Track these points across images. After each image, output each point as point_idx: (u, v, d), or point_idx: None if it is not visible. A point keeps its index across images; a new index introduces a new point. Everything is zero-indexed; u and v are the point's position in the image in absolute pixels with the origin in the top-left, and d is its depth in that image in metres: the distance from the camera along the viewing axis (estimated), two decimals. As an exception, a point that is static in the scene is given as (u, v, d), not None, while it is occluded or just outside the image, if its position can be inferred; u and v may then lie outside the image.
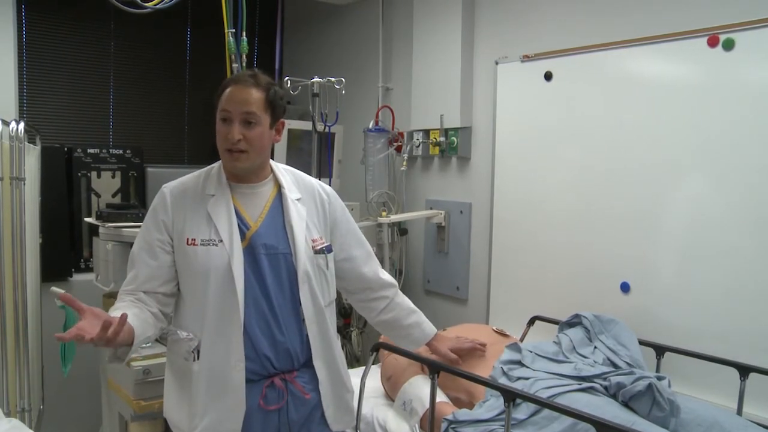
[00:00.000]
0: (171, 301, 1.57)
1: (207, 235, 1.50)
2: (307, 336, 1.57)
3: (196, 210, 1.52)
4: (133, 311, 1.43)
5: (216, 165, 1.60)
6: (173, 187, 1.57)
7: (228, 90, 1.51)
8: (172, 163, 4.02)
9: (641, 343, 2.20)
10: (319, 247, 1.60)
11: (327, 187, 1.73)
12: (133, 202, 3.35)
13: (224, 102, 1.50)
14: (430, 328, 1.90)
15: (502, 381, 1.98)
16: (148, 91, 4.06)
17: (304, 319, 1.56)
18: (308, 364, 1.59)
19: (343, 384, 1.67)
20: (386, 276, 1.82)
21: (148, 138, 4.03)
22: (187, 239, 1.50)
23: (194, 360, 1.50)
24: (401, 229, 3.40)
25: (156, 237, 1.52)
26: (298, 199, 1.61)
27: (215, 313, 1.48)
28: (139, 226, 2.39)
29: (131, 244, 2.43)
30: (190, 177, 1.60)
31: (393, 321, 1.83)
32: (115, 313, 1.36)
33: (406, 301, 1.87)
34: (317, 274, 1.59)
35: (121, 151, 3.43)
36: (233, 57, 2.50)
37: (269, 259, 1.53)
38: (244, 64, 2.58)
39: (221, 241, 1.49)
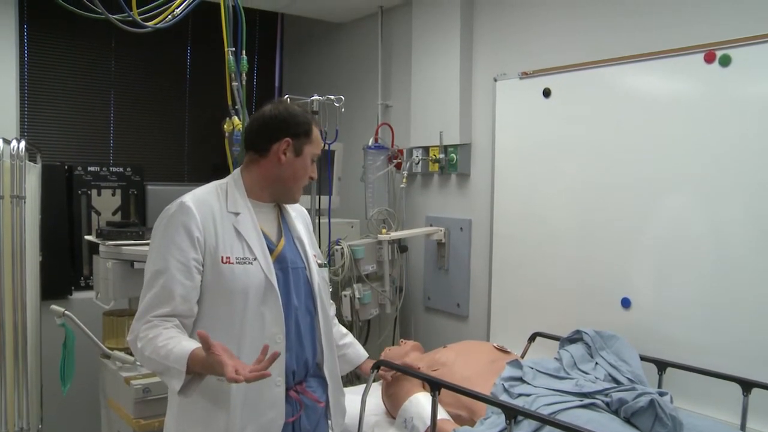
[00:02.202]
0: (190, 323, 1.53)
1: (241, 253, 1.51)
2: (319, 346, 1.65)
3: (225, 227, 1.52)
4: (196, 344, 1.38)
5: (228, 182, 1.61)
6: (195, 201, 1.52)
7: (317, 132, 1.62)
8: (172, 181, 4.02)
9: (643, 358, 2.18)
10: (320, 262, 1.70)
11: (302, 207, 1.81)
12: (133, 220, 3.36)
13: (317, 145, 1.62)
14: (362, 350, 1.98)
15: (504, 398, 1.98)
16: (149, 109, 4.09)
17: (318, 330, 1.65)
18: (315, 373, 1.67)
19: (340, 387, 1.75)
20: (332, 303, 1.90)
21: (148, 156, 4.04)
22: (222, 257, 1.49)
23: None
24: (401, 246, 3.38)
25: (192, 255, 1.47)
26: (294, 216, 1.70)
27: (255, 331, 1.49)
28: (140, 244, 2.47)
29: (131, 263, 2.48)
30: (204, 192, 1.57)
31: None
32: (175, 342, 1.37)
33: (340, 326, 1.94)
34: (324, 286, 1.69)
35: (121, 169, 3.43)
36: (233, 75, 2.50)
37: (294, 273, 1.60)
38: (244, 83, 2.60)
39: (255, 258, 1.51)
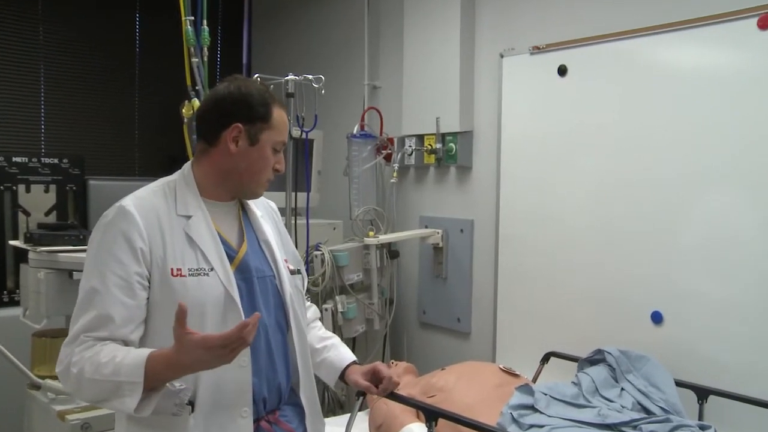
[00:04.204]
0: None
1: (194, 263, 1.49)
2: (294, 367, 1.64)
3: (174, 234, 1.50)
4: (151, 349, 1.38)
5: (176, 178, 1.59)
6: (137, 204, 1.49)
7: (281, 115, 1.57)
8: (120, 175, 3.97)
9: (679, 384, 2.18)
10: (292, 268, 1.68)
11: (272, 202, 1.81)
12: (72, 221, 3.30)
13: (280, 130, 1.57)
14: (348, 352, 1.85)
15: (512, 429, 1.97)
16: (89, 89, 4.02)
17: (291, 349, 1.63)
18: (290, 400, 1.66)
19: (320, 415, 1.74)
20: (308, 302, 1.87)
21: (89, 145, 3.99)
22: (172, 270, 1.47)
23: (189, 413, 1.46)
24: (391, 251, 3.38)
25: (134, 270, 1.44)
26: (261, 216, 1.68)
27: None
28: (80, 251, 2.42)
29: (70, 273, 2.43)
30: (148, 193, 1.55)
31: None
32: (123, 353, 1.36)
33: (323, 329, 1.90)
34: (297, 297, 1.68)
35: (56, 161, 3.37)
36: (192, 50, 2.49)
37: (260, 283, 1.59)
38: (205, 59, 2.59)
39: (212, 269, 1.50)
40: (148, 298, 1.47)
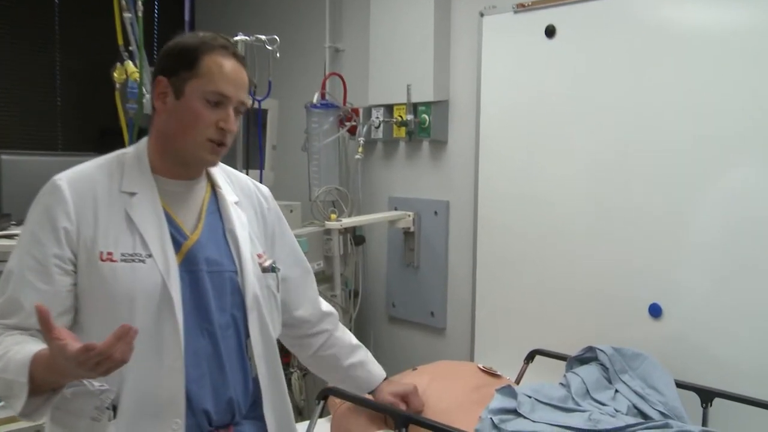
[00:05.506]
0: None
1: (130, 247, 1.49)
2: (253, 379, 1.63)
3: (111, 213, 1.50)
4: (43, 346, 1.35)
5: (129, 152, 1.58)
6: (72, 179, 1.49)
7: (216, 62, 1.50)
8: (39, 149, 3.92)
9: (680, 385, 2.19)
10: (266, 264, 1.67)
11: (264, 188, 1.80)
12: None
13: (212, 78, 1.50)
14: (378, 369, 1.98)
15: None
16: None
17: (251, 357, 1.62)
18: (250, 414, 1.64)
19: None
20: (325, 305, 1.94)
21: (1, 115, 3.96)
22: (101, 253, 1.46)
23: (109, 420, 1.45)
24: (356, 236, 3.40)
25: (53, 252, 1.45)
26: (236, 203, 1.67)
27: (143, 354, 1.43)
28: None
29: None
30: (90, 167, 1.55)
31: (332, 360, 1.91)
32: (18, 348, 1.35)
33: (348, 335, 1.97)
34: (267, 298, 1.66)
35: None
36: (124, 3, 2.49)
37: (212, 278, 1.57)
38: (140, 14, 2.56)
39: (150, 255, 1.49)
40: (76, 284, 1.47)
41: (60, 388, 1.37)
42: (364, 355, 1.96)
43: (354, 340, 1.96)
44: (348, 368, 1.91)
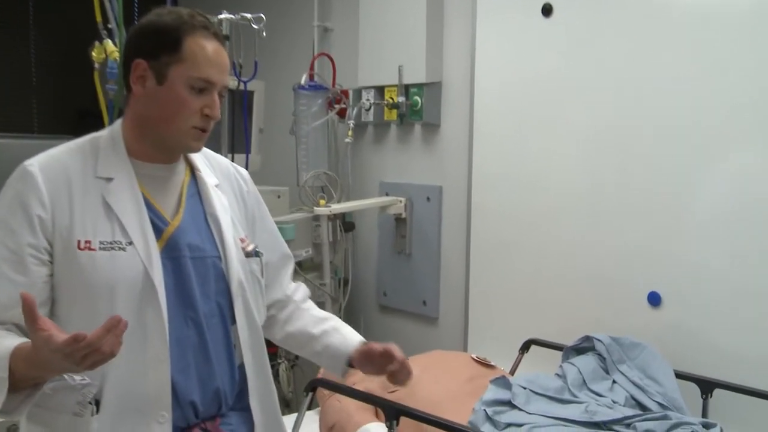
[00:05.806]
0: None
1: (109, 235, 1.47)
2: (239, 368, 1.62)
3: (87, 200, 1.48)
4: (23, 340, 1.33)
5: (104, 135, 1.56)
6: (44, 164, 1.47)
7: (200, 45, 1.47)
8: (13, 132, 3.83)
9: (680, 376, 2.20)
10: (249, 249, 1.66)
11: (243, 170, 1.79)
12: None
13: (196, 63, 1.47)
14: (354, 334, 1.83)
15: (486, 429, 1.98)
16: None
17: (237, 345, 1.61)
18: (237, 405, 1.63)
19: (279, 425, 1.73)
20: (295, 284, 1.91)
21: None
22: (79, 242, 1.44)
23: (92, 415, 1.43)
24: (346, 222, 3.39)
25: (27, 241, 1.42)
26: (216, 186, 1.66)
27: (126, 345, 1.38)
28: None
29: None
30: (61, 151, 1.52)
31: (303, 330, 1.82)
32: None
33: (318, 310, 1.91)
34: (251, 283, 1.65)
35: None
36: None
37: (195, 264, 1.56)
38: None
39: (130, 243, 1.47)
40: (52, 275, 1.45)
41: (41, 383, 1.35)
42: (337, 322, 1.86)
43: (325, 313, 1.89)
44: (321, 336, 1.80)
